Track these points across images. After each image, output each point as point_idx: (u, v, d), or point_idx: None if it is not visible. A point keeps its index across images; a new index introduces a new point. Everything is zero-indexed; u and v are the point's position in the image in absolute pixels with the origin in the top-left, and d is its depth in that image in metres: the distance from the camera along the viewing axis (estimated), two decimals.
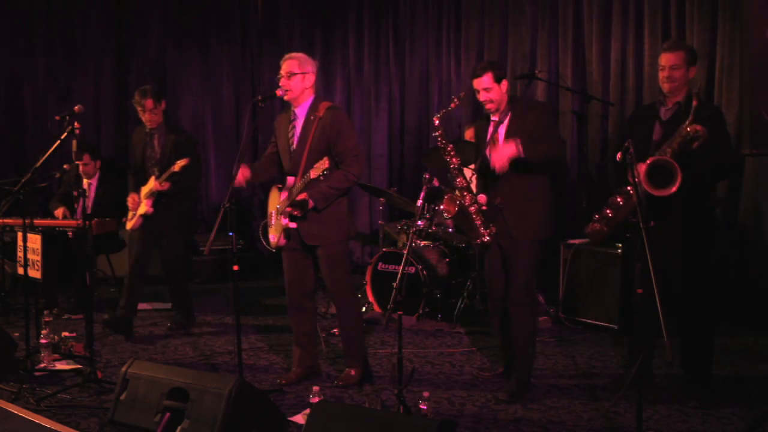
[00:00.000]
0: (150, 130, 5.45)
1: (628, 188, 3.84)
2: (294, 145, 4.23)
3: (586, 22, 6.67)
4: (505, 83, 4.06)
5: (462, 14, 7.57)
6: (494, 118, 4.13)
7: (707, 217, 4.02)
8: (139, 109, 5.41)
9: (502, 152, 3.87)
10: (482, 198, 4.06)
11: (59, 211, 6.14)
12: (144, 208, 5.32)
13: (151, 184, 5.36)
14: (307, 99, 4.24)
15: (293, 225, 4.18)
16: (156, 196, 5.32)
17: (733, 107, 5.60)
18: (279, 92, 4.20)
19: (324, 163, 3.95)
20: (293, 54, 4.27)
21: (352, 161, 4.17)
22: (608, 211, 3.99)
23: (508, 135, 4.01)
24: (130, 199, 5.44)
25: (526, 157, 3.85)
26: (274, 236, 4.29)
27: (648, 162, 3.67)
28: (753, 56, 5.41)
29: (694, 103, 3.68)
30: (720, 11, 5.73)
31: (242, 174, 4.21)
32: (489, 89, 4.02)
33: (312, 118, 4.18)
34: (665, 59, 3.93)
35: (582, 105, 6.48)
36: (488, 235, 4.03)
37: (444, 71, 7.78)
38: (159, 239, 5.46)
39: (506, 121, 4.08)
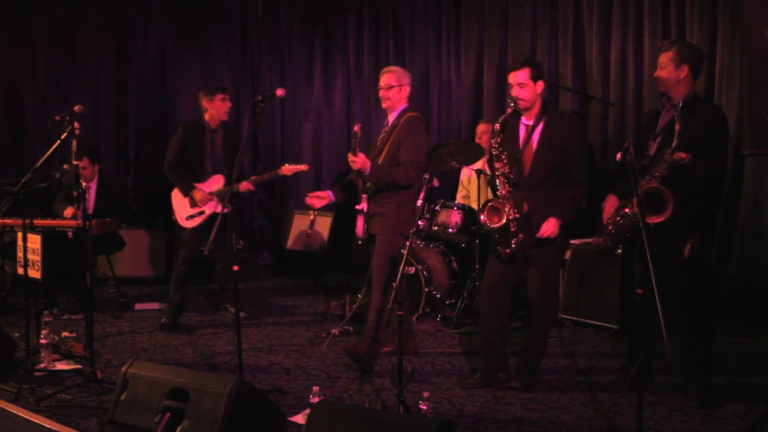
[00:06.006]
0: (212, 128, 5.70)
1: (626, 209, 3.92)
2: (378, 143, 4.77)
3: (586, 22, 6.67)
4: (541, 84, 4.06)
5: (462, 14, 7.57)
6: (526, 120, 4.11)
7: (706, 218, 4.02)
8: (219, 98, 5.64)
9: (549, 231, 4.01)
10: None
11: (68, 211, 6.07)
12: (219, 207, 5.46)
13: (220, 183, 5.61)
14: (400, 107, 4.69)
15: (363, 206, 4.78)
16: (231, 196, 4.95)
17: (733, 107, 5.59)
18: (279, 92, 4.26)
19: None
20: (391, 67, 4.75)
21: (410, 170, 4.54)
22: (610, 228, 4.05)
23: (542, 143, 4.04)
24: (199, 194, 5.59)
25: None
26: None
27: (640, 191, 3.70)
28: (753, 56, 5.41)
29: (677, 127, 3.69)
30: (720, 11, 5.73)
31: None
32: (523, 85, 4.01)
33: (396, 123, 4.67)
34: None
35: (582, 105, 6.49)
36: (515, 244, 4.04)
37: (444, 71, 7.78)
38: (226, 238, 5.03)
39: (540, 128, 4.06)
